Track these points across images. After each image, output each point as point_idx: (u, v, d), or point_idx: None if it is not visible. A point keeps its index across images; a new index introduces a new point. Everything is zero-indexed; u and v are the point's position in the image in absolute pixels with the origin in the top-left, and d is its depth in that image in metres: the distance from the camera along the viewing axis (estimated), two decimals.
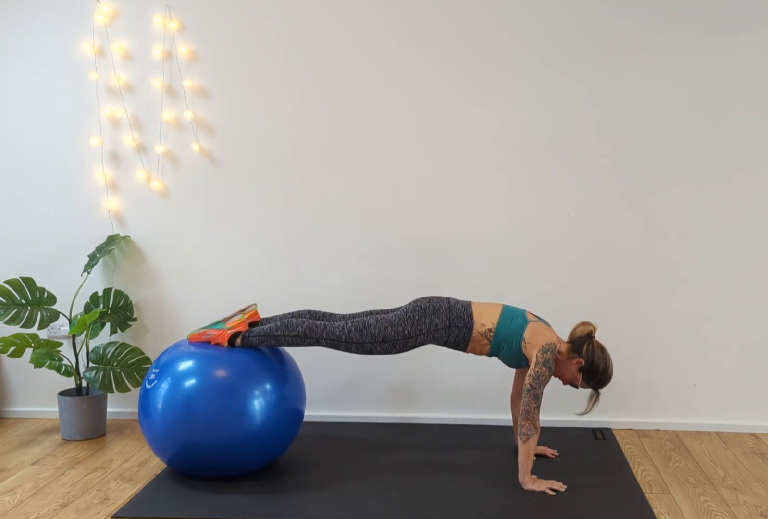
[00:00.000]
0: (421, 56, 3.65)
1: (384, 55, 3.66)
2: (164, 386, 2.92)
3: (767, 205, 3.60)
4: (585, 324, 3.05)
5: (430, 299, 3.08)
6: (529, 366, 3.01)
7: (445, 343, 3.05)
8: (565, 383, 3.08)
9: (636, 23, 3.55)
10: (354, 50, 3.67)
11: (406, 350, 3.04)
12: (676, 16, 3.53)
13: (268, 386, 2.97)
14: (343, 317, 3.19)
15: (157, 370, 2.99)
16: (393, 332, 2.98)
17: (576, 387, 3.06)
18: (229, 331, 3.05)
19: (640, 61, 3.57)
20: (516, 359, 3.04)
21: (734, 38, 3.53)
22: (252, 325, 3.15)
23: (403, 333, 2.99)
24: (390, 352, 3.03)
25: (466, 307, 3.05)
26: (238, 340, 3.05)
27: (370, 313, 3.19)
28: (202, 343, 3.06)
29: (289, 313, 3.25)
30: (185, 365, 2.95)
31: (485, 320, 3.01)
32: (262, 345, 3.06)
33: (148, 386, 2.98)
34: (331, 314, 3.23)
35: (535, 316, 3.08)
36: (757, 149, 3.58)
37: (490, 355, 3.07)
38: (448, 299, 3.08)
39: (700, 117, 3.58)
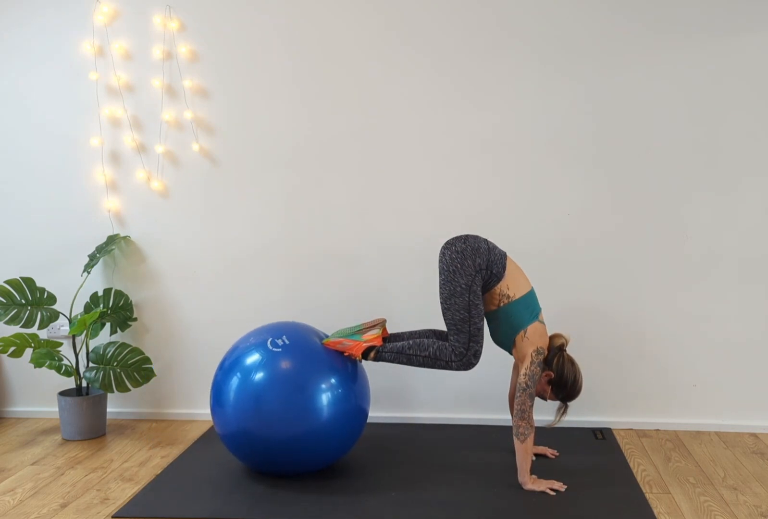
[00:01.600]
0: (421, 56, 3.65)
1: (384, 55, 3.66)
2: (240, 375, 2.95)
3: (767, 205, 3.60)
4: (558, 336, 3.04)
5: (465, 239, 2.99)
6: (510, 351, 3.03)
7: (484, 287, 2.98)
8: (535, 394, 3.07)
9: (636, 23, 3.55)
10: (354, 50, 3.67)
11: (481, 296, 2.94)
12: (676, 16, 3.53)
13: (333, 381, 2.98)
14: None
15: (287, 339, 2.99)
16: (460, 298, 2.90)
17: (544, 399, 3.07)
18: (364, 344, 3.06)
19: (640, 61, 3.57)
20: (504, 338, 3.03)
21: (734, 38, 3.53)
22: (383, 340, 3.15)
23: (466, 289, 2.90)
24: (483, 311, 2.94)
25: (503, 256, 3.00)
26: (372, 354, 3.05)
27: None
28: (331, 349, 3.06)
29: (416, 332, 3.23)
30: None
31: (512, 285, 2.98)
32: (393, 361, 3.06)
33: (272, 348, 2.97)
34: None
35: (544, 319, 3.08)
36: (758, 149, 3.58)
37: (486, 315, 3.04)
38: (486, 240, 3.02)
39: (700, 117, 3.58)
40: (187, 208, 3.82)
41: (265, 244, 3.80)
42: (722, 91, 3.56)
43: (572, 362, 3.01)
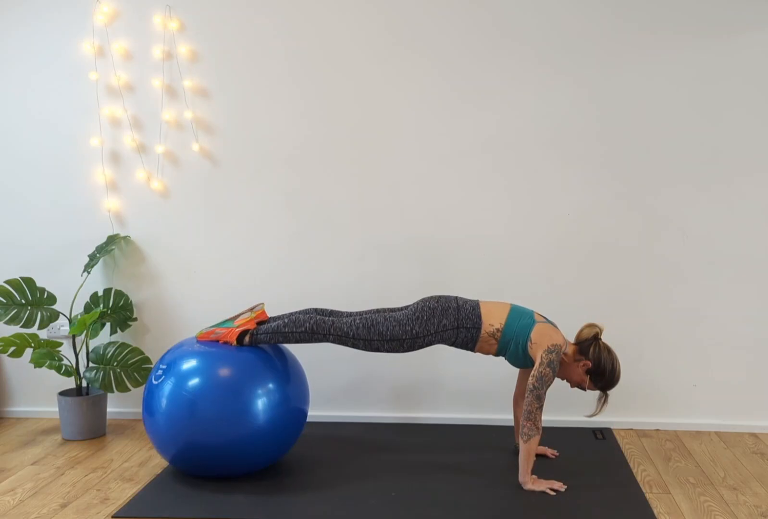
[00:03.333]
0: (420, 57, 3.65)
1: (384, 56, 3.66)
2: (169, 384, 2.93)
3: (767, 205, 3.60)
4: (591, 326, 3.04)
5: (438, 299, 3.07)
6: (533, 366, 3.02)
7: (453, 344, 3.05)
8: (573, 386, 3.07)
9: (636, 23, 3.55)
10: (354, 51, 3.67)
11: (414, 350, 3.04)
12: (676, 16, 3.53)
13: (271, 386, 2.97)
14: (350, 314, 3.19)
15: (164, 367, 2.99)
16: (401, 331, 2.98)
17: (584, 389, 3.06)
18: (237, 329, 3.05)
19: (640, 60, 3.57)
20: (522, 359, 3.03)
21: (734, 38, 3.53)
22: (260, 323, 3.15)
23: (411, 332, 2.98)
24: (398, 351, 3.02)
25: (475, 307, 3.04)
26: (247, 338, 3.04)
27: (378, 311, 3.19)
28: (208, 342, 3.05)
29: (296, 311, 3.25)
30: (189, 364, 2.95)
31: (493, 320, 3.01)
32: (270, 342, 3.06)
33: (154, 382, 2.98)
34: (338, 312, 3.23)
35: (543, 317, 3.08)
36: (758, 149, 3.58)
37: (497, 354, 3.07)
38: (456, 299, 3.08)
39: (700, 116, 3.58)
40: (187, 208, 3.82)
41: (265, 244, 3.80)
42: (722, 91, 3.56)
43: (609, 350, 3.01)
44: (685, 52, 3.56)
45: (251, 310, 3.17)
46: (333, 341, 3.03)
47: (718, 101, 3.57)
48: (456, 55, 3.63)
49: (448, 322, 3.00)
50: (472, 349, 3.06)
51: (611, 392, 3.08)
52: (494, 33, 3.61)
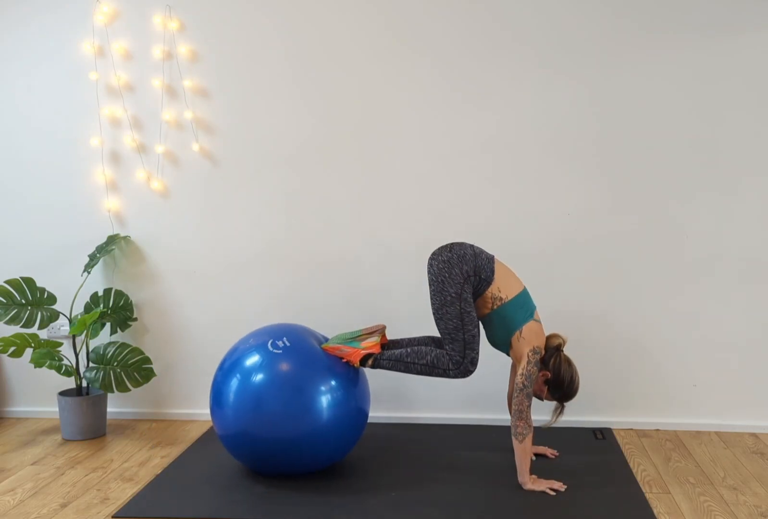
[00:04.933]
0: (421, 56, 3.65)
1: (384, 56, 3.66)
2: (236, 378, 2.94)
3: (767, 205, 3.60)
4: (555, 336, 3.04)
5: (450, 248, 2.99)
6: (507, 353, 3.04)
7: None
8: (532, 394, 3.06)
9: (636, 23, 3.55)
10: (354, 50, 3.67)
11: (472, 302, 2.95)
12: (676, 16, 3.53)
13: (333, 383, 2.97)
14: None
15: (288, 341, 2.99)
16: (451, 307, 2.91)
17: (541, 399, 3.06)
18: (363, 351, 3.05)
19: (640, 60, 3.57)
20: (499, 340, 3.03)
21: (734, 38, 3.53)
22: (382, 346, 3.15)
23: (456, 297, 2.90)
24: (476, 318, 2.95)
25: (490, 260, 2.99)
26: (369, 361, 3.05)
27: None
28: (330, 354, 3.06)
29: (415, 339, 3.23)
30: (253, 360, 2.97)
31: (503, 287, 2.97)
32: (392, 369, 3.05)
33: (273, 350, 2.96)
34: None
35: (539, 317, 3.08)
36: (758, 149, 3.57)
37: (480, 319, 3.04)
38: (472, 246, 3.02)
39: (701, 117, 3.58)
40: (187, 208, 3.82)
41: (265, 244, 3.80)
42: (722, 91, 3.56)
43: (569, 362, 3.01)
44: (685, 52, 3.56)
45: (375, 332, 3.13)
46: (455, 376, 2.97)
47: (718, 101, 3.57)
48: (456, 55, 3.63)
49: (468, 269, 2.93)
50: (476, 297, 3.00)
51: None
52: (494, 33, 3.61)
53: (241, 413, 2.92)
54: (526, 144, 3.65)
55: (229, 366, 3.01)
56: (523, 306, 3.00)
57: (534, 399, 3.06)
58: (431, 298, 2.98)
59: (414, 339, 3.24)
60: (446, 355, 2.97)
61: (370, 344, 3.08)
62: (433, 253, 3.03)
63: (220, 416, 2.99)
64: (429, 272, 2.99)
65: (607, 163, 3.64)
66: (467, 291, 2.93)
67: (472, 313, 2.94)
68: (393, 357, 3.03)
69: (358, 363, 3.04)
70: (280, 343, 2.98)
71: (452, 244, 3.03)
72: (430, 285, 2.98)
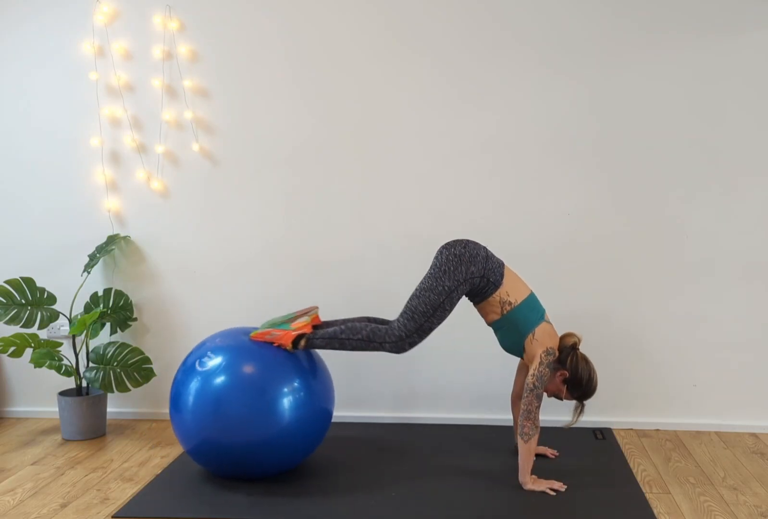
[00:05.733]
0: (421, 56, 3.65)
1: (384, 56, 3.66)
2: (196, 381, 2.91)
3: (767, 205, 3.60)
4: (570, 335, 3.03)
5: (465, 244, 2.96)
6: (520, 356, 3.02)
7: (470, 292, 2.98)
8: (549, 395, 3.05)
9: (636, 23, 3.55)
10: (354, 50, 3.67)
11: (454, 306, 2.94)
12: (676, 16, 3.53)
13: (296, 384, 2.94)
14: (397, 319, 3.07)
15: (212, 355, 2.95)
16: (435, 296, 2.88)
17: (560, 399, 3.05)
18: (293, 332, 3.01)
19: (640, 60, 3.57)
20: (512, 344, 3.02)
21: (734, 38, 3.53)
22: (314, 327, 3.13)
23: (446, 291, 2.88)
24: (444, 317, 2.93)
25: (501, 264, 2.99)
26: (302, 342, 3.01)
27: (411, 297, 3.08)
28: (261, 341, 3.02)
29: (350, 318, 3.22)
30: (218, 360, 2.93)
31: (511, 291, 2.96)
32: (326, 348, 3.01)
33: (198, 368, 2.93)
34: (388, 321, 3.17)
35: (549, 318, 3.08)
36: (758, 149, 3.58)
37: (492, 324, 3.04)
38: (485, 248, 3.01)
39: (701, 117, 3.58)
40: (187, 208, 3.82)
41: (265, 244, 3.80)
42: (722, 91, 3.56)
43: (586, 360, 2.99)
44: (685, 52, 3.56)
45: (306, 313, 3.12)
46: (389, 350, 2.95)
47: (718, 101, 3.57)
48: (456, 54, 3.63)
49: (476, 270, 2.91)
50: (477, 303, 3.01)
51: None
52: (494, 33, 3.61)
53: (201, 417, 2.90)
54: (526, 144, 3.65)
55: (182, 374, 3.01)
56: (533, 309, 3.00)
57: (548, 399, 3.05)
58: (424, 278, 2.96)
59: (348, 319, 3.21)
60: (386, 330, 2.94)
61: (301, 324, 3.05)
62: (447, 243, 3.00)
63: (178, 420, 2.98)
64: (436, 258, 2.97)
65: (607, 163, 3.64)
66: (460, 291, 2.91)
67: (447, 311, 2.93)
68: (326, 335, 3.00)
69: (291, 345, 2.99)
70: (206, 360, 2.95)
71: (468, 240, 3.00)
72: (431, 267, 2.96)
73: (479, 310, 3.05)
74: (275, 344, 3.00)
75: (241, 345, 3.00)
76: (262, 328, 3.05)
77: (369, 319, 3.19)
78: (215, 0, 3.69)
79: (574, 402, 3.07)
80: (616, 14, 3.56)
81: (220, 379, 2.88)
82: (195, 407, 2.89)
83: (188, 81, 3.74)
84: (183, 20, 3.71)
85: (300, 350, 3.03)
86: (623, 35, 3.56)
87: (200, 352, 3.01)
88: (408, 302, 2.96)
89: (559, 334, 3.05)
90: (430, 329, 2.94)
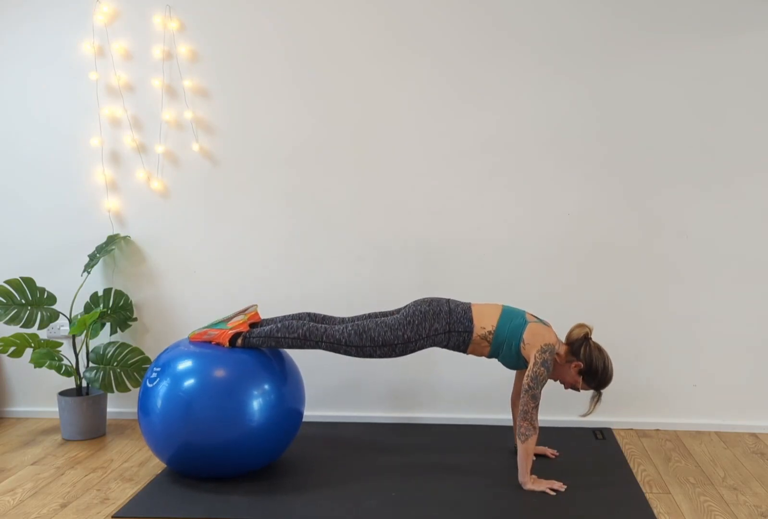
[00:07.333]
0: (421, 57, 3.65)
1: (384, 56, 3.66)
2: (164, 385, 2.92)
3: (767, 205, 3.60)
4: (581, 326, 3.03)
5: (430, 302, 3.05)
6: (525, 366, 3.02)
7: (445, 346, 3.04)
8: (566, 387, 3.07)
9: (636, 23, 3.55)
10: (354, 50, 3.67)
11: (406, 354, 3.03)
12: (676, 15, 3.53)
13: (267, 386, 2.97)
14: (343, 320, 3.18)
15: (158, 369, 2.99)
16: (392, 336, 2.97)
17: (578, 390, 3.06)
18: (230, 332, 3.05)
19: (640, 60, 3.57)
20: (515, 360, 3.03)
21: (734, 38, 3.53)
22: (253, 325, 3.15)
23: (403, 337, 2.97)
24: (390, 356, 3.02)
25: (466, 310, 3.03)
26: (239, 341, 3.04)
27: (370, 316, 3.18)
28: (202, 343, 3.06)
29: (289, 316, 3.24)
30: (185, 365, 2.95)
31: (485, 322, 3.00)
32: (262, 346, 3.05)
33: (149, 385, 2.98)
34: (330, 317, 3.22)
35: (534, 316, 3.07)
36: (758, 149, 3.58)
37: (490, 356, 3.07)
38: (448, 302, 3.06)
39: (701, 117, 3.58)
40: (187, 208, 3.82)
41: (264, 244, 3.80)
42: (722, 91, 3.56)
43: (600, 349, 3.00)
44: (685, 52, 3.56)
45: (244, 312, 3.17)
46: (325, 348, 3.02)
47: (719, 101, 3.57)
48: (456, 55, 3.63)
49: (439, 326, 2.99)
50: (465, 352, 3.06)
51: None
52: (494, 33, 3.61)
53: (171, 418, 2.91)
54: (526, 144, 3.65)
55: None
56: (510, 320, 3.01)
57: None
58: (394, 316, 3.04)
59: (287, 316, 3.24)
60: (325, 330, 3.00)
61: (237, 323, 3.09)
62: (415, 301, 3.10)
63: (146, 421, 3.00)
64: (407, 307, 3.07)
65: (607, 162, 3.64)
66: (419, 345, 3.00)
67: (395, 355, 3.01)
68: (263, 334, 3.04)
69: (228, 343, 3.03)
70: (153, 375, 2.98)
71: (432, 298, 3.09)
72: (401, 313, 3.04)
73: (473, 354, 3.08)
74: (213, 343, 3.05)
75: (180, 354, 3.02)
76: (199, 329, 3.10)
77: (309, 315, 3.23)
78: (215, 0, 3.69)
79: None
80: (616, 14, 3.56)
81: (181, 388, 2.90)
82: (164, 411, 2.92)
83: (188, 81, 3.74)
84: (183, 20, 3.71)
85: (238, 348, 3.05)
86: (623, 35, 3.56)
87: (151, 369, 3.05)
88: (366, 321, 3.04)
89: (582, 323, 3.04)
90: (369, 356, 3.02)
